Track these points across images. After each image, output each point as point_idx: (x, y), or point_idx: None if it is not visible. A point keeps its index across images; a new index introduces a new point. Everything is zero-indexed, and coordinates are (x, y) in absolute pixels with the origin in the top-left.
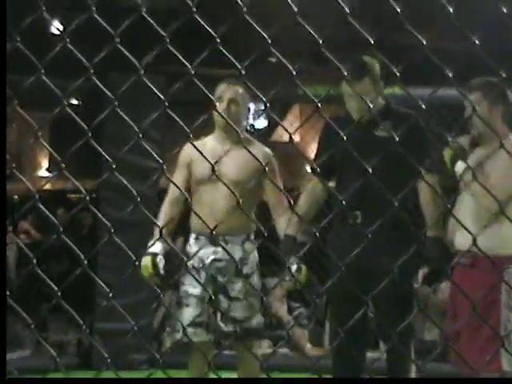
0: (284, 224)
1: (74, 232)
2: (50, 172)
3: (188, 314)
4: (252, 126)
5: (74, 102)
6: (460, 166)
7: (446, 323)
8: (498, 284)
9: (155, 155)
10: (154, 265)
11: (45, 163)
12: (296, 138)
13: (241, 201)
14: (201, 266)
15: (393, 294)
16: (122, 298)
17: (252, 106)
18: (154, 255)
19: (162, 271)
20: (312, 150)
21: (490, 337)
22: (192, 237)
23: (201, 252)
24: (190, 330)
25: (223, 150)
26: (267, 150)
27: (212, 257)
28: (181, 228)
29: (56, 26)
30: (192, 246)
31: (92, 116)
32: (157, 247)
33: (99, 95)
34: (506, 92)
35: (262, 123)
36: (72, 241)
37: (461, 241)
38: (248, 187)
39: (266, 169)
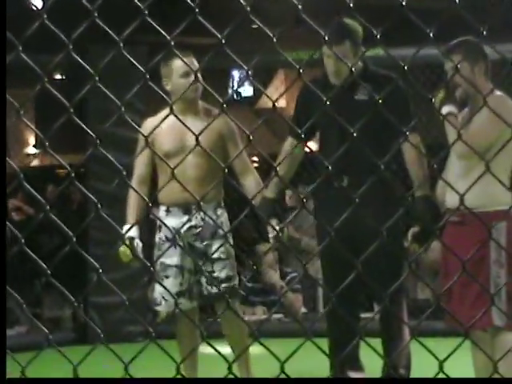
0: (252, 186)
1: (64, 207)
2: (36, 148)
3: (168, 284)
4: (239, 93)
5: (58, 76)
6: (446, 110)
7: (439, 281)
8: (486, 240)
9: (137, 128)
10: (132, 249)
11: (32, 140)
12: (282, 103)
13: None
14: (174, 236)
15: (383, 254)
16: (115, 272)
17: (236, 74)
18: (131, 239)
19: (140, 254)
20: None
21: (480, 293)
22: (162, 209)
23: (174, 223)
24: (172, 300)
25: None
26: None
27: (187, 225)
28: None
29: (34, 2)
30: (164, 218)
31: (77, 90)
32: (132, 231)
33: (82, 68)
34: (483, 48)
35: (247, 90)
36: (62, 216)
37: (450, 199)
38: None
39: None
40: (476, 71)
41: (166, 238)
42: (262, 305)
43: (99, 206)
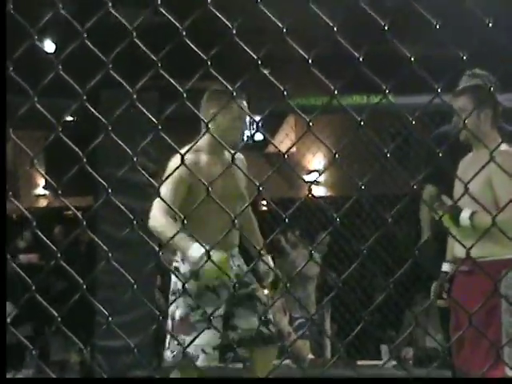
0: (259, 233)
1: (72, 248)
2: (46, 190)
3: (209, 336)
4: (251, 138)
5: (69, 118)
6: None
7: (450, 331)
8: (496, 289)
9: (148, 177)
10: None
11: (41, 181)
12: (292, 149)
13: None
14: (215, 284)
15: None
16: (123, 315)
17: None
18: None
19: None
20: (308, 161)
21: (492, 343)
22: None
23: (210, 270)
24: (211, 353)
25: (219, 167)
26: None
27: (234, 271)
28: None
29: (47, 46)
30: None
31: (87, 130)
32: (201, 249)
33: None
34: (493, 94)
35: (258, 135)
36: (70, 258)
37: (459, 248)
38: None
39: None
40: (482, 118)
41: (207, 286)
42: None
43: (110, 255)
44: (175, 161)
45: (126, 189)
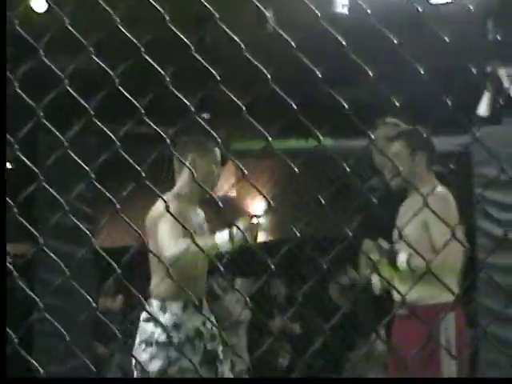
0: None
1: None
2: None
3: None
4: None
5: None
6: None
7: (390, 374)
8: (436, 334)
9: (83, 227)
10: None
11: None
12: (232, 193)
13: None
14: (193, 336)
15: None
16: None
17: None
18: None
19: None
20: (248, 206)
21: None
22: (176, 305)
23: (190, 321)
24: None
25: (192, 212)
26: None
27: (207, 325)
28: None
29: None
30: (180, 316)
31: (25, 179)
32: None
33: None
34: (428, 138)
35: None
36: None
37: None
38: None
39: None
40: (417, 161)
41: (187, 337)
42: None
43: (40, 304)
44: (159, 205)
45: (62, 234)
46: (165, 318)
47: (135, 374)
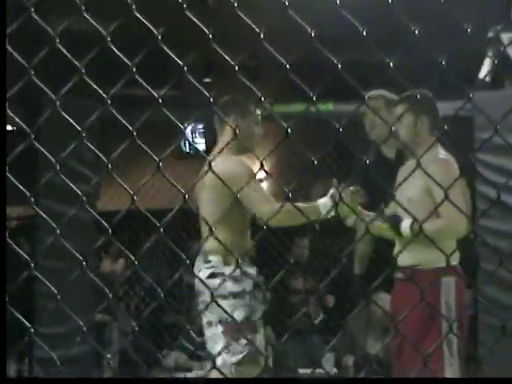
0: None
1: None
2: None
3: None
4: (194, 146)
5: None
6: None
7: (389, 337)
8: (435, 296)
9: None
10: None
11: None
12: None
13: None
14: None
15: None
16: (62, 325)
17: (189, 127)
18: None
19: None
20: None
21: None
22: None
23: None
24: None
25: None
26: None
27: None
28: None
29: None
30: (242, 267)
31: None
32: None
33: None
34: (432, 102)
35: (200, 144)
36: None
37: (399, 257)
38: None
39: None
40: (419, 125)
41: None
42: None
43: (32, 265)
44: (228, 165)
45: (64, 195)
46: (231, 270)
47: (214, 331)
